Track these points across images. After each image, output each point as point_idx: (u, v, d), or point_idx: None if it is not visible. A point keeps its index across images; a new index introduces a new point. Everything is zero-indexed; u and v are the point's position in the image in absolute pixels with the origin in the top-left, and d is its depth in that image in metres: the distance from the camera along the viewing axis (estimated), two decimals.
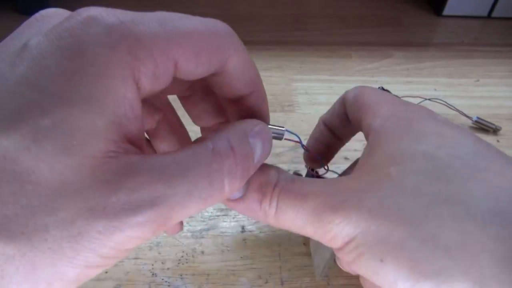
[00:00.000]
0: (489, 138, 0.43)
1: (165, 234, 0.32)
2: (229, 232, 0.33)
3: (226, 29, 0.21)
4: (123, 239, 0.15)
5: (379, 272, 0.19)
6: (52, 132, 0.14)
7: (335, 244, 0.20)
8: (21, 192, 0.14)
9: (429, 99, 0.46)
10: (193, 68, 0.18)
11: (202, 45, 0.18)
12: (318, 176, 0.30)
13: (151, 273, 0.29)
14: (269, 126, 0.23)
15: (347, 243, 0.19)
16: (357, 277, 0.30)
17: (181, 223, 0.25)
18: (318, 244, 0.28)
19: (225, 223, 0.33)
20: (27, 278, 0.14)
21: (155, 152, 0.25)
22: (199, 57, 0.18)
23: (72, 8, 0.18)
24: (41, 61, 0.15)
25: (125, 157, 0.16)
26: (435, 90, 0.50)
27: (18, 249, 0.14)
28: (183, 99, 0.25)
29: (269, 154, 0.21)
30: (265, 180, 0.22)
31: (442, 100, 0.45)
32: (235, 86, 0.21)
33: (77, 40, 0.15)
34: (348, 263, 0.20)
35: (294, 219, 0.21)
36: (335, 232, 0.20)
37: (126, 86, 0.16)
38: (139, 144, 0.17)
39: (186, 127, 0.26)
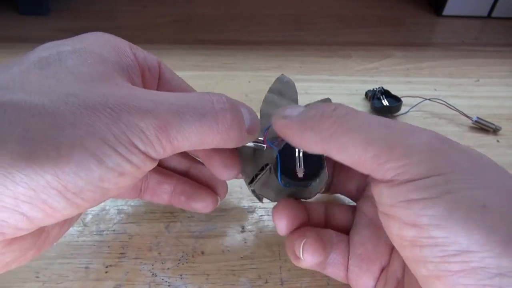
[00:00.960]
0: (489, 138, 0.43)
1: (168, 234, 0.32)
2: (229, 232, 0.33)
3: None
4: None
5: (447, 226, 0.17)
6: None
7: (392, 173, 0.18)
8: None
9: (429, 99, 0.46)
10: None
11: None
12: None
13: (151, 273, 0.29)
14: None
15: (422, 178, 0.18)
16: None
17: (215, 199, 0.29)
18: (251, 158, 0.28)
19: (225, 223, 0.33)
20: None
21: None
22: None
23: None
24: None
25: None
26: (435, 90, 0.50)
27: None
28: None
29: (258, 124, 0.24)
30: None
31: (442, 100, 0.45)
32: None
33: None
34: (389, 202, 0.19)
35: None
36: (408, 163, 0.18)
37: None
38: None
39: None
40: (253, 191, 0.27)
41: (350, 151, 0.20)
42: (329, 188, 0.30)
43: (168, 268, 0.30)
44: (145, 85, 0.25)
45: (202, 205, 0.29)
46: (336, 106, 0.21)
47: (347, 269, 0.26)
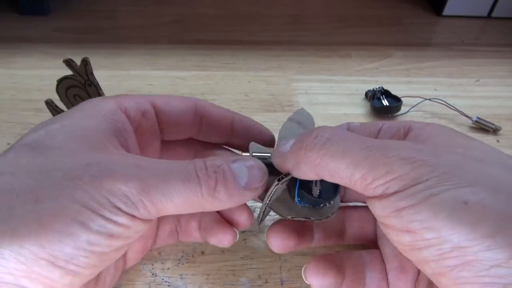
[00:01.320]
0: (489, 138, 0.43)
1: None
2: None
3: None
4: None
5: (436, 227, 0.18)
6: None
7: (381, 189, 0.20)
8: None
9: (429, 99, 0.46)
10: None
11: None
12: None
13: (151, 273, 0.29)
14: (256, 154, 0.27)
15: (406, 188, 0.19)
16: None
17: (232, 234, 0.28)
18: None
19: None
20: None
21: None
22: None
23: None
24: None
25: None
26: (435, 90, 0.50)
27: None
28: None
29: (261, 178, 0.24)
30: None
31: (442, 100, 0.45)
32: None
33: None
34: (384, 214, 0.20)
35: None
36: (394, 169, 0.19)
37: None
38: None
39: None
40: (266, 207, 0.26)
41: (340, 176, 0.21)
42: (344, 195, 0.30)
43: (168, 268, 0.30)
44: (144, 133, 0.27)
45: (216, 240, 0.28)
46: (317, 133, 0.22)
47: (387, 284, 0.27)
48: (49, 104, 0.37)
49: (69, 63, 0.35)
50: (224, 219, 0.29)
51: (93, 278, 0.23)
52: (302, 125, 0.30)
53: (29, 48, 0.52)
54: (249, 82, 0.49)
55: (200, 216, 0.29)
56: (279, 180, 0.24)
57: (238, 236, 0.29)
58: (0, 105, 0.44)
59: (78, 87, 0.35)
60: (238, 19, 0.61)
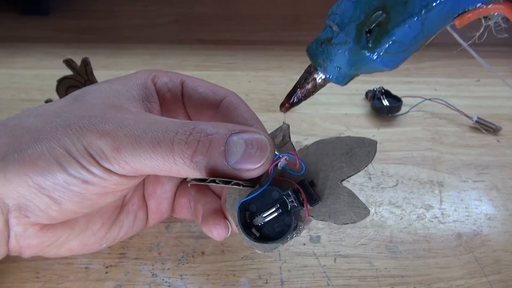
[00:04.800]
0: (489, 138, 0.43)
1: (168, 234, 0.32)
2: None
3: None
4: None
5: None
6: None
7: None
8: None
9: (429, 99, 0.46)
10: None
11: None
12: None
13: (151, 273, 0.29)
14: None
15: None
16: (357, 277, 0.30)
17: (226, 228, 0.28)
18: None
19: None
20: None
21: None
22: None
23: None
24: None
25: None
26: (435, 90, 0.50)
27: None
28: None
29: (258, 160, 0.23)
30: None
31: (443, 100, 0.45)
32: None
33: None
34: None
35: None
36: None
37: None
38: None
39: None
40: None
41: None
42: None
43: (168, 269, 0.30)
44: (168, 106, 0.29)
45: (207, 229, 0.28)
46: None
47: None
48: None
49: (69, 63, 0.35)
50: (222, 212, 0.28)
51: (109, 220, 0.27)
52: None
53: (29, 48, 0.52)
54: (249, 82, 0.49)
55: (206, 201, 0.29)
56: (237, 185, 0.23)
57: (230, 232, 0.28)
58: (0, 105, 0.44)
59: (78, 87, 0.35)
60: (238, 19, 0.61)
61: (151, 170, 0.23)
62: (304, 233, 0.32)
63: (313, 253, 0.31)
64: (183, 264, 0.30)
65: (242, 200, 0.24)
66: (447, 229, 0.34)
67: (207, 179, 0.22)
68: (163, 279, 0.29)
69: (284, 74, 0.50)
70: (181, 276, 0.29)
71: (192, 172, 0.23)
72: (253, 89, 0.48)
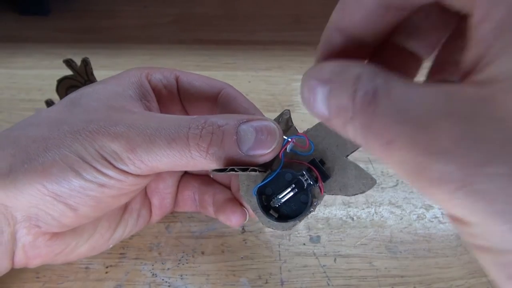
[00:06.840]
0: None
1: (168, 234, 0.32)
2: (229, 232, 0.33)
3: None
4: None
5: None
6: None
7: None
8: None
9: None
10: None
11: None
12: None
13: (151, 273, 0.29)
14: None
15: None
16: (357, 277, 0.30)
17: (243, 214, 0.29)
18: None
19: None
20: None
21: None
22: None
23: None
24: None
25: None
26: None
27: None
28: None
29: (269, 145, 0.23)
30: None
31: None
32: None
33: None
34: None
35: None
36: None
37: None
38: None
39: None
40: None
41: None
42: None
43: (168, 269, 0.30)
44: (164, 102, 0.29)
45: (224, 218, 0.29)
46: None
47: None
48: (49, 104, 0.37)
49: (69, 63, 0.35)
50: (236, 199, 0.29)
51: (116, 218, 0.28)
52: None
53: (29, 48, 0.52)
54: (249, 82, 0.49)
55: (214, 192, 0.30)
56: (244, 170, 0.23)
57: (248, 218, 0.29)
58: (0, 105, 0.44)
59: (78, 87, 0.35)
60: (238, 19, 0.61)
61: (167, 166, 0.23)
62: (304, 233, 0.32)
63: (313, 253, 0.31)
64: (183, 264, 0.30)
65: (259, 185, 0.26)
66: (447, 229, 0.34)
67: (226, 169, 0.23)
68: (163, 279, 0.29)
69: (284, 74, 0.50)
70: (181, 276, 0.29)
71: (208, 164, 0.23)
72: (253, 89, 0.48)
